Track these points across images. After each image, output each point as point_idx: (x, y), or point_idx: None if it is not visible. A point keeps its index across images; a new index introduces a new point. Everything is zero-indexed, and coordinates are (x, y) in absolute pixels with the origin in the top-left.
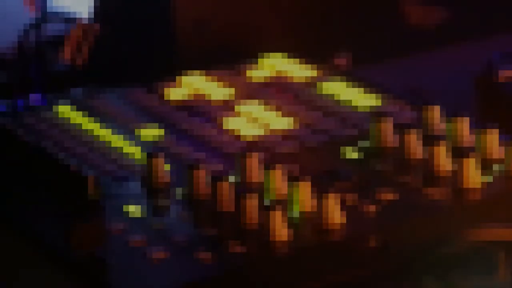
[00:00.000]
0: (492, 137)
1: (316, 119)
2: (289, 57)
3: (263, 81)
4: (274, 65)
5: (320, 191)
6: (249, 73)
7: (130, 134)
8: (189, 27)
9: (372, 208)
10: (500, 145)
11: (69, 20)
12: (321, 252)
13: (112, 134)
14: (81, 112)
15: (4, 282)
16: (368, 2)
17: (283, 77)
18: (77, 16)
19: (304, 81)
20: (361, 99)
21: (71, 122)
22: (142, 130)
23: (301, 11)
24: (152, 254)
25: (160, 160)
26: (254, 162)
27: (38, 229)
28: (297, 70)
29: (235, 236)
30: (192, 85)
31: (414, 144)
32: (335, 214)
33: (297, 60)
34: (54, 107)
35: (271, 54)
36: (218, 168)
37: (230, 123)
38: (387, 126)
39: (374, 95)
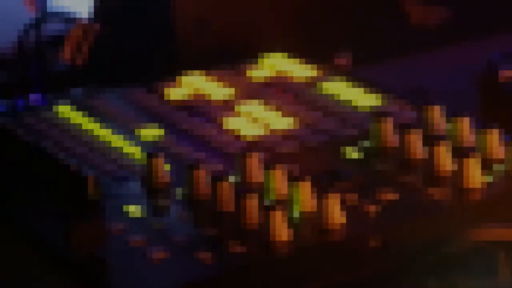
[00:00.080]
0: (493, 137)
1: (317, 119)
2: (289, 57)
3: (263, 81)
4: (274, 65)
5: (320, 191)
6: (249, 73)
7: (130, 134)
8: (189, 27)
9: (373, 208)
10: (501, 145)
11: (69, 20)
12: (321, 252)
13: (112, 134)
14: (81, 112)
15: (4, 282)
16: (368, 2)
17: (283, 77)
18: (77, 16)
19: (304, 81)
20: (362, 99)
21: (71, 122)
22: (142, 130)
23: (301, 11)
24: (152, 254)
25: (160, 160)
26: (254, 162)
27: (38, 229)
28: (298, 70)
29: (235, 236)
30: (192, 85)
31: (415, 144)
32: (335, 214)
33: (298, 60)
34: (54, 107)
35: (271, 54)
36: (218, 168)
37: (230, 123)
38: (388, 126)
39: (374, 95)
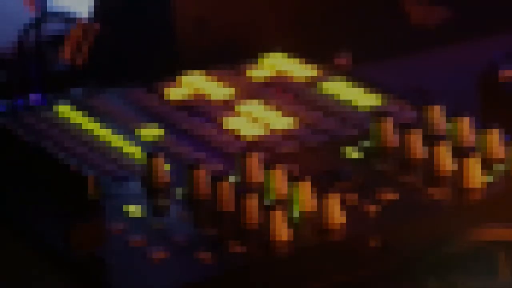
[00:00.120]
0: (493, 137)
1: (317, 119)
2: (289, 57)
3: (263, 81)
4: (274, 65)
5: (320, 191)
6: (249, 73)
7: (130, 134)
8: (189, 26)
9: (373, 208)
10: (501, 145)
11: (69, 20)
12: (321, 252)
13: (112, 134)
14: (81, 112)
15: (4, 282)
16: (368, 2)
17: (283, 77)
18: (77, 16)
19: (304, 81)
20: (362, 99)
21: (71, 122)
22: (142, 130)
23: (301, 11)
24: (152, 254)
25: (160, 160)
26: (254, 162)
27: (38, 229)
28: (298, 70)
29: (235, 236)
30: (192, 85)
31: (415, 144)
32: (336, 214)
33: (298, 60)
34: (54, 107)
35: (271, 54)
36: (218, 168)
37: (230, 123)
38: (388, 126)
39: (374, 94)
